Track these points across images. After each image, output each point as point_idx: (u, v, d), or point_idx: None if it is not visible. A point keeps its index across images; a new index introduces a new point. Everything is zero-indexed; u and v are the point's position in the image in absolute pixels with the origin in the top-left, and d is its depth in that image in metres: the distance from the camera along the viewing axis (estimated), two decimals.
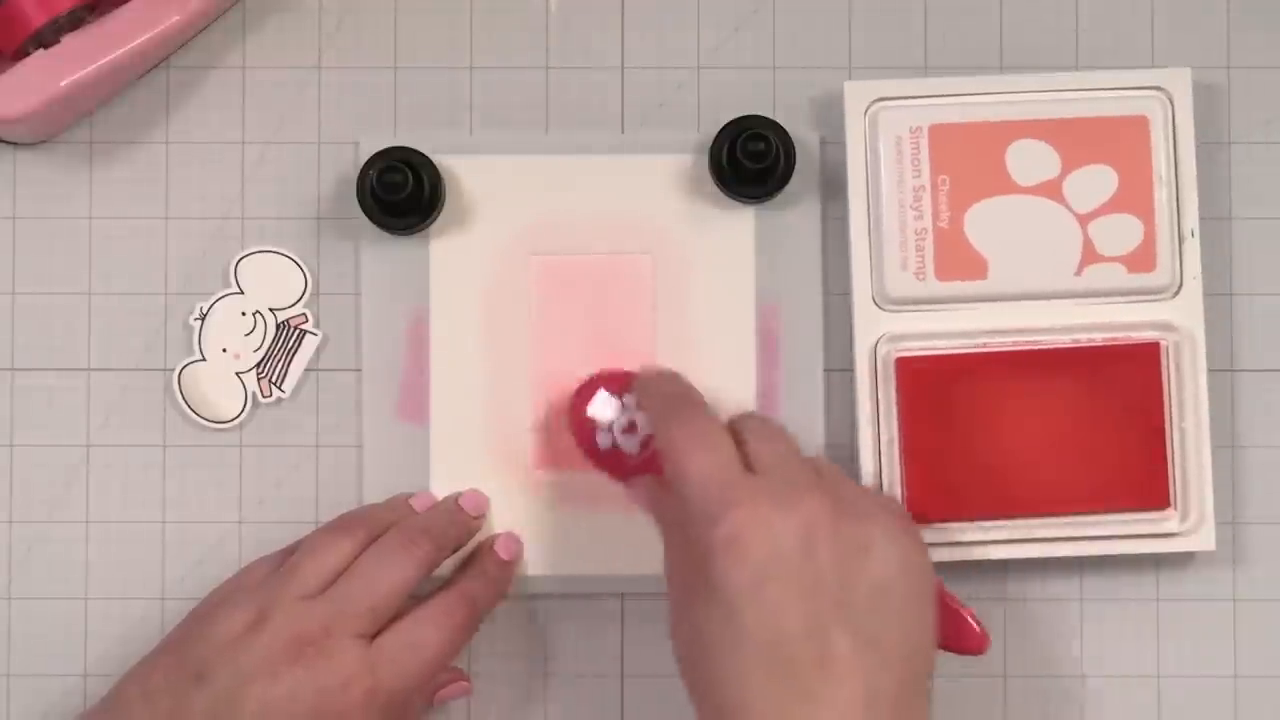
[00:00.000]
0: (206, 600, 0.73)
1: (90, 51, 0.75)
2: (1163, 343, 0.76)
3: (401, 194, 0.75)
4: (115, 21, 0.75)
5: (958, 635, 0.70)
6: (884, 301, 0.76)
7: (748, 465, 0.68)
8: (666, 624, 0.68)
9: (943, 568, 0.76)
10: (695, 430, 0.68)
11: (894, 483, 0.75)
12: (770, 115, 0.77)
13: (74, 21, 0.75)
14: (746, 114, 0.76)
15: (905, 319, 0.76)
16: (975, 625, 0.71)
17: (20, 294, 0.78)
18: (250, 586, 0.72)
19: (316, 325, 0.78)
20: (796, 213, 0.78)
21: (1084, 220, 0.76)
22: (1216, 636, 0.78)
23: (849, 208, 0.77)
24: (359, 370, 0.78)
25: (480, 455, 0.77)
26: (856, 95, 0.77)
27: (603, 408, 0.75)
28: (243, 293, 0.78)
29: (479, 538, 0.77)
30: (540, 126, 0.79)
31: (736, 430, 0.69)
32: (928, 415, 0.75)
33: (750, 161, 0.75)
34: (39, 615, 0.77)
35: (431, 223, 0.77)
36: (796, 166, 0.77)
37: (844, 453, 0.77)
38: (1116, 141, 0.76)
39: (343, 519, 0.75)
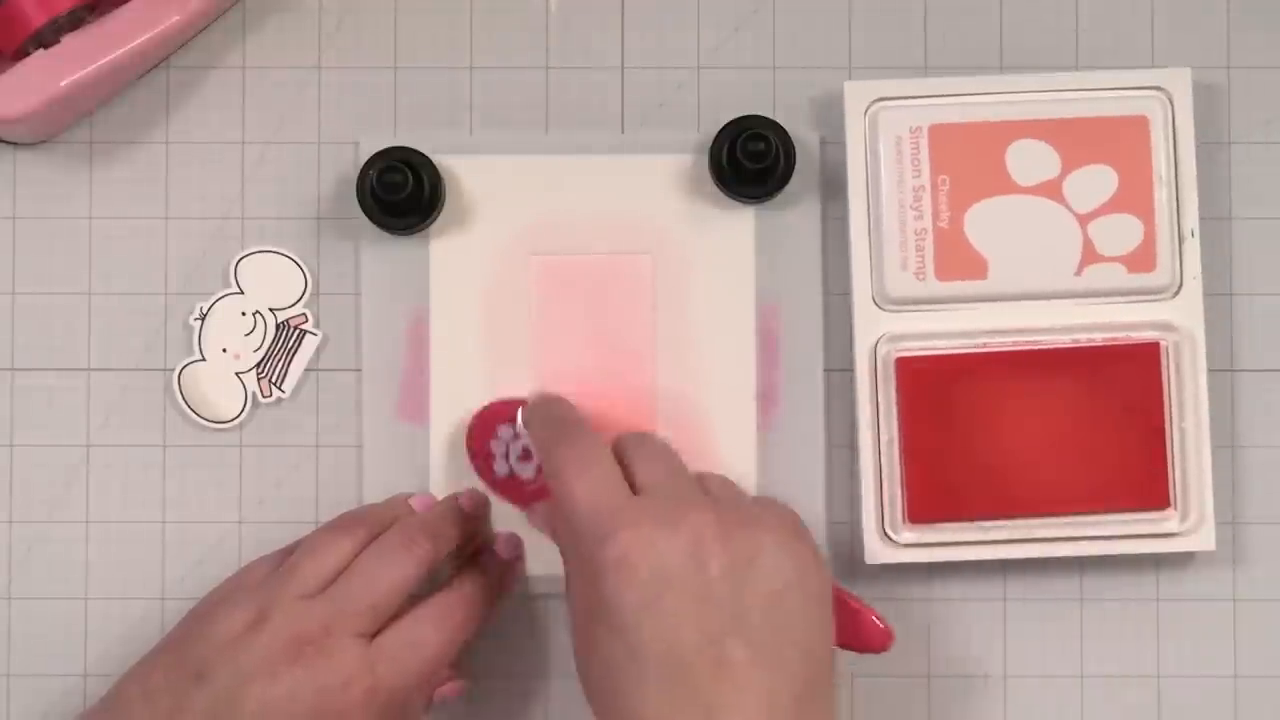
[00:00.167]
0: (206, 600, 0.73)
1: (90, 51, 0.75)
2: (1163, 343, 0.76)
3: (401, 194, 0.75)
4: (115, 21, 0.75)
5: (859, 634, 0.71)
6: (884, 301, 0.76)
7: (632, 486, 0.68)
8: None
9: (943, 568, 0.76)
10: (578, 454, 0.69)
11: (894, 483, 0.76)
12: (770, 115, 0.77)
13: (74, 21, 0.75)
14: (746, 114, 0.77)
15: (905, 319, 0.76)
16: (877, 623, 0.71)
17: (20, 294, 0.78)
18: (250, 586, 0.72)
19: (316, 325, 0.78)
20: (796, 213, 0.78)
21: (1084, 220, 0.76)
22: (1216, 636, 0.78)
23: (849, 208, 0.77)
24: (359, 370, 0.78)
25: None
26: (856, 95, 0.77)
27: (499, 437, 0.76)
28: (243, 293, 0.78)
29: (479, 538, 0.77)
30: (540, 126, 0.79)
31: (620, 452, 0.70)
32: (928, 415, 0.75)
33: (750, 161, 0.75)
34: (39, 615, 0.77)
35: (431, 223, 0.77)
36: (796, 166, 0.77)
37: (844, 453, 0.77)
38: (1116, 141, 0.76)
39: (342, 519, 0.75)
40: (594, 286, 0.78)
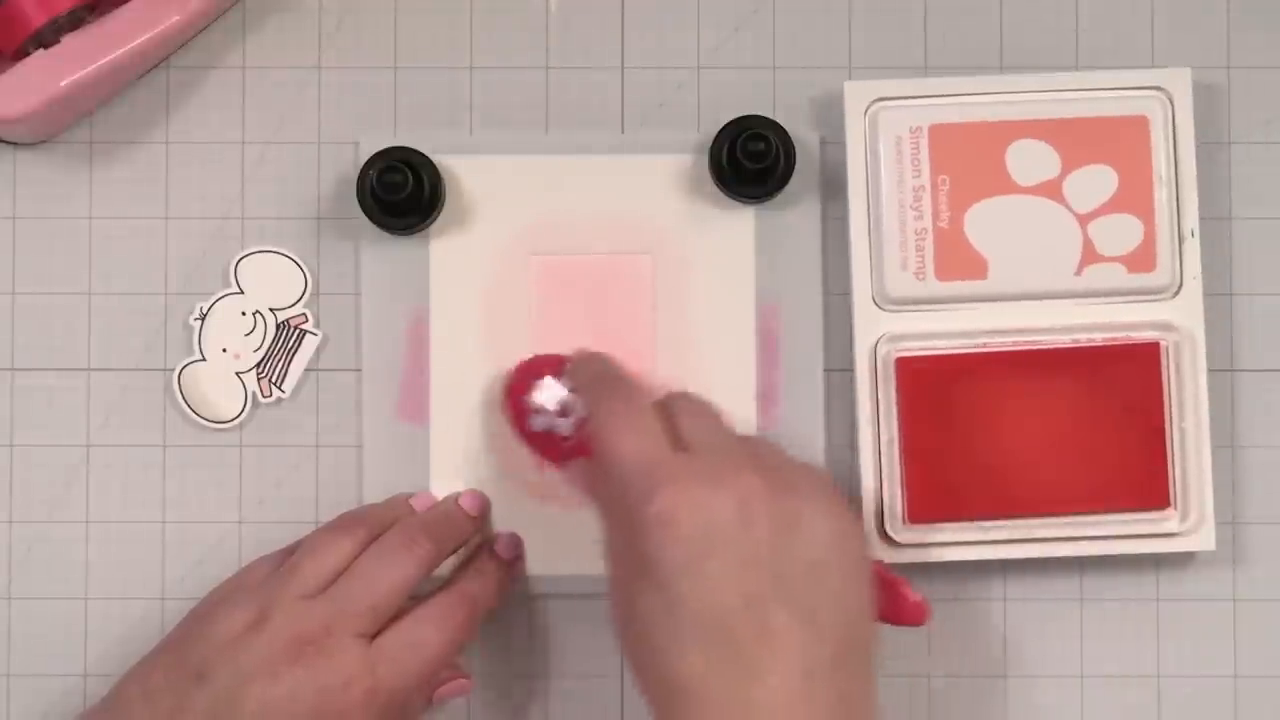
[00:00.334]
0: (206, 600, 0.73)
1: (90, 51, 0.75)
2: (1163, 343, 0.76)
3: (401, 194, 0.75)
4: (115, 21, 0.75)
5: (895, 608, 0.71)
6: (884, 301, 0.76)
7: (679, 443, 0.68)
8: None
9: (943, 568, 0.76)
10: (623, 410, 0.69)
11: (894, 483, 0.76)
12: (770, 115, 0.77)
13: (74, 21, 0.75)
14: (746, 114, 0.76)
15: (905, 319, 0.76)
16: (913, 596, 0.71)
17: (20, 294, 0.78)
18: (250, 586, 0.72)
19: (316, 325, 0.78)
20: (796, 213, 0.78)
21: (1084, 220, 0.76)
22: (1216, 636, 0.78)
23: (849, 208, 0.77)
24: (359, 370, 0.78)
25: (480, 455, 0.77)
26: (856, 95, 0.77)
27: (538, 391, 0.75)
28: (243, 293, 0.78)
29: (479, 538, 0.77)
30: (540, 126, 0.79)
31: (667, 409, 0.70)
32: (928, 415, 0.75)
33: (750, 161, 0.75)
34: (39, 615, 0.77)
35: (431, 223, 0.77)
36: (796, 166, 0.77)
37: (844, 453, 0.77)
38: (1116, 141, 0.76)
39: (343, 519, 0.75)
40: (594, 286, 0.78)
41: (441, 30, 0.79)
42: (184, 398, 0.77)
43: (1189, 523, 0.76)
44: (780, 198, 0.78)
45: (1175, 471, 0.76)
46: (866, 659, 0.66)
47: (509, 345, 0.77)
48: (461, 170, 0.78)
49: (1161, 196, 0.76)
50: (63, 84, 0.75)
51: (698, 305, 0.78)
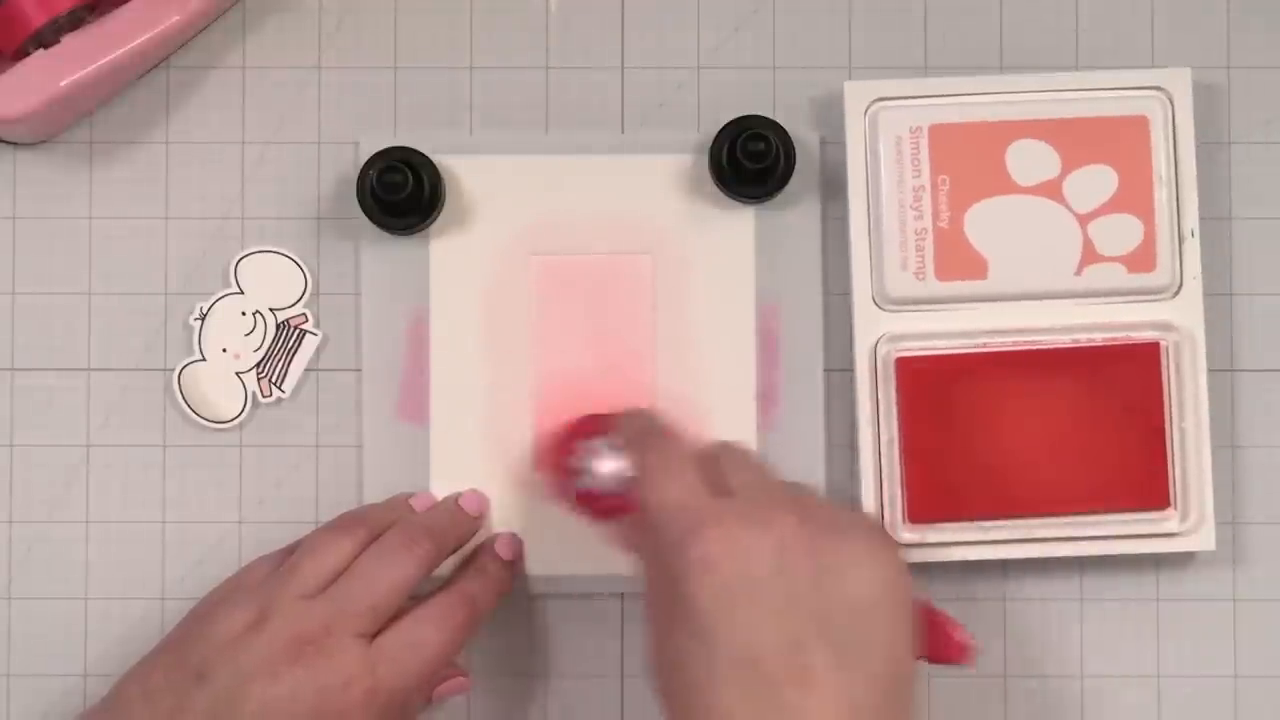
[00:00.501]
0: (206, 600, 0.73)
1: (90, 51, 0.75)
2: (1163, 343, 0.76)
3: (401, 194, 0.75)
4: (115, 21, 0.75)
5: (940, 647, 0.70)
6: (884, 301, 0.76)
7: (721, 490, 0.68)
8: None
9: (943, 568, 0.76)
10: (665, 461, 0.68)
11: (894, 483, 0.76)
12: (770, 115, 0.77)
13: (74, 21, 0.75)
14: (746, 114, 0.76)
15: (905, 319, 0.76)
16: (957, 636, 0.70)
17: (20, 294, 0.78)
18: (250, 586, 0.72)
19: (316, 325, 0.78)
20: (796, 213, 0.78)
21: (1084, 220, 0.76)
22: (1216, 636, 0.78)
23: (849, 208, 0.77)
24: (359, 370, 0.78)
25: (480, 455, 0.77)
26: (856, 95, 0.77)
27: (579, 452, 0.75)
28: (243, 293, 0.78)
29: (479, 538, 0.77)
30: (540, 126, 0.79)
31: (711, 458, 0.69)
32: (928, 415, 0.75)
33: (750, 161, 0.75)
34: (39, 615, 0.77)
35: (431, 223, 0.77)
36: (796, 166, 0.77)
37: (844, 453, 0.77)
38: (1116, 141, 0.76)
39: (343, 519, 0.75)
40: (594, 286, 0.78)
41: (441, 30, 0.79)
42: (184, 398, 0.77)
43: (1189, 523, 0.76)
44: (780, 198, 0.78)
45: (1175, 471, 0.76)
46: (907, 700, 0.65)
47: (509, 345, 0.77)
48: (461, 170, 0.78)
49: (1161, 196, 0.76)
50: (63, 84, 0.75)
51: (698, 305, 0.78)
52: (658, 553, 0.66)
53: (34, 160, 0.78)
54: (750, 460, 0.70)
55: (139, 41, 0.76)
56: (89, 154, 0.78)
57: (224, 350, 0.78)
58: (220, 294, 0.78)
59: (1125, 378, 0.75)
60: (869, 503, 0.76)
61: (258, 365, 0.78)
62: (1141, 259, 0.76)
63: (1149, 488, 0.75)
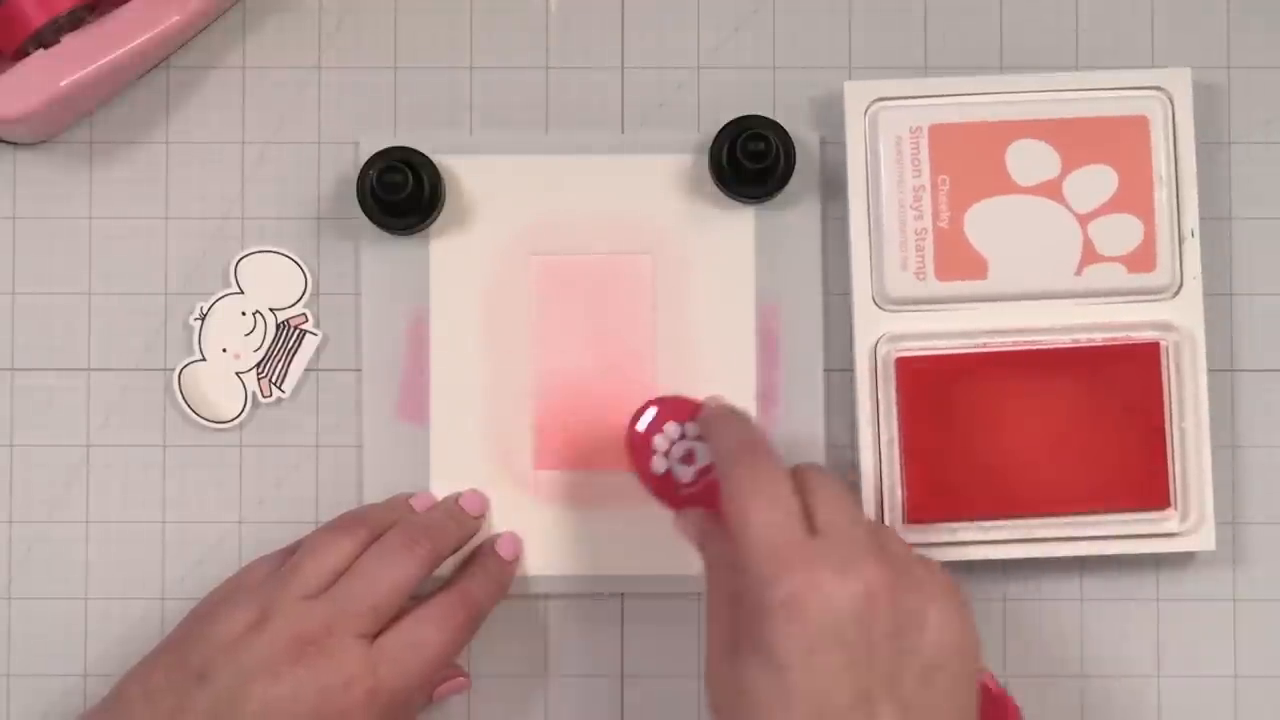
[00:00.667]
0: (207, 600, 0.73)
1: (90, 51, 0.75)
2: (1163, 343, 0.76)
3: (401, 194, 0.75)
4: (115, 21, 0.75)
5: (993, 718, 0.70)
6: (884, 301, 0.76)
7: (809, 522, 0.67)
8: (704, 666, 0.67)
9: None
10: (761, 480, 0.67)
11: (894, 483, 0.76)
12: (770, 115, 0.77)
13: (74, 21, 0.75)
14: (746, 114, 0.77)
15: (905, 319, 0.76)
16: (1015, 713, 0.70)
17: (20, 294, 0.78)
18: (251, 586, 0.72)
19: (316, 325, 0.78)
20: (796, 213, 0.78)
21: (1084, 220, 0.76)
22: (1216, 636, 0.78)
23: (849, 208, 0.77)
24: (359, 370, 0.78)
25: (480, 455, 0.77)
26: (856, 95, 0.77)
27: (664, 433, 0.74)
28: (243, 293, 0.78)
29: (479, 538, 0.77)
30: (540, 126, 0.79)
31: (801, 483, 0.68)
32: (928, 415, 0.75)
33: (750, 161, 0.75)
34: (39, 615, 0.77)
35: (431, 223, 0.77)
36: (796, 166, 0.77)
37: (844, 453, 0.77)
38: (1116, 141, 0.76)
39: (343, 519, 0.75)
40: (594, 286, 0.78)
41: (441, 30, 0.79)
42: (184, 398, 0.77)
43: (1189, 523, 0.76)
44: (780, 198, 0.78)
45: (1175, 471, 0.76)
46: None
47: (509, 345, 0.77)
48: (461, 170, 0.78)
49: (1161, 196, 0.76)
50: (63, 84, 0.75)
51: (698, 305, 0.78)
52: (735, 568, 0.66)
53: (34, 160, 0.78)
54: (838, 491, 0.69)
55: (139, 41, 0.76)
56: (89, 154, 0.78)
57: (224, 350, 0.78)
58: (220, 294, 0.78)
59: (1125, 378, 0.75)
60: (869, 503, 0.76)
61: (258, 365, 0.78)
62: (1141, 259, 0.76)
63: (1149, 488, 0.75)
